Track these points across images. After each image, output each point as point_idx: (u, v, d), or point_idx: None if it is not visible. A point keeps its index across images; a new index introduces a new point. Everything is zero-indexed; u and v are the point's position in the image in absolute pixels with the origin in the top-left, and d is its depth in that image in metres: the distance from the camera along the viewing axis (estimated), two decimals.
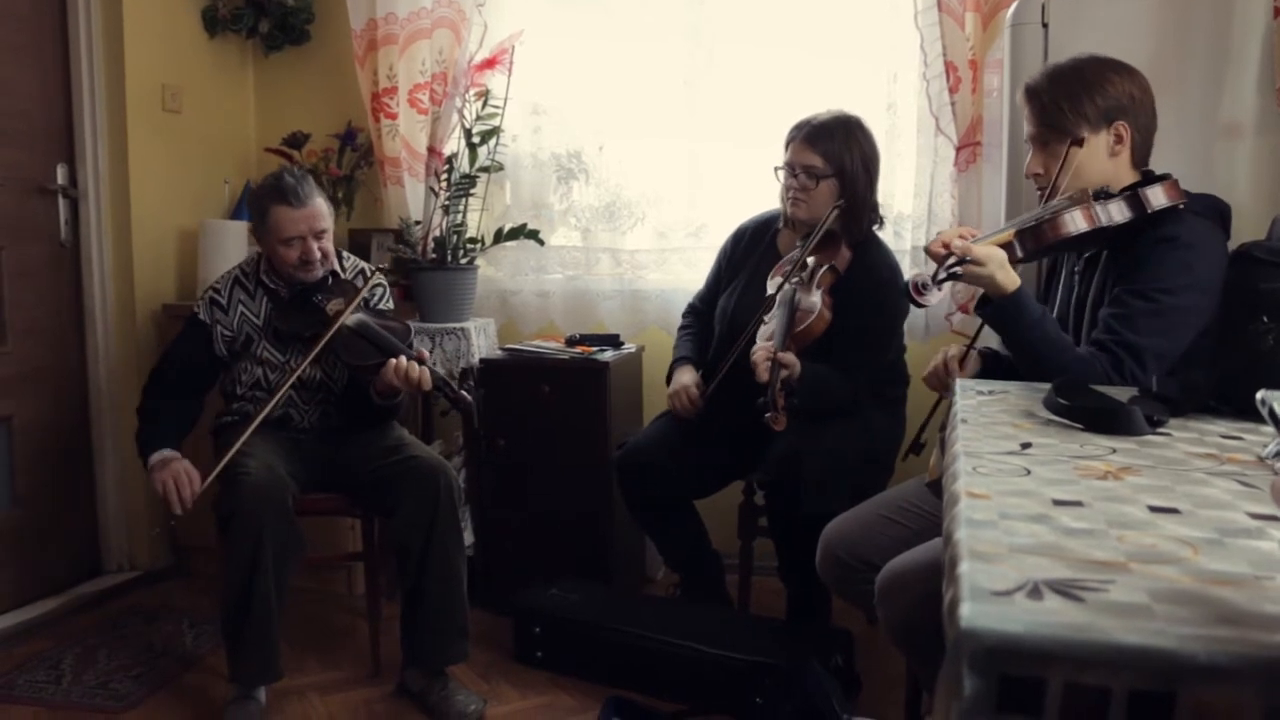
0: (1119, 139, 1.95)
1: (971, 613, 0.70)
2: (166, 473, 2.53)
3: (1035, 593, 0.74)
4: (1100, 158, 1.95)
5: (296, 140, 3.68)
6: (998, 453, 1.20)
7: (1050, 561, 0.81)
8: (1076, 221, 1.84)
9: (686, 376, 2.83)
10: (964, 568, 0.79)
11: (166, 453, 2.60)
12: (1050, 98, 1.96)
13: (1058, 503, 0.99)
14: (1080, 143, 1.92)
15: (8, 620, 3.09)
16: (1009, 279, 1.83)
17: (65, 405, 3.36)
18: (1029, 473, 1.11)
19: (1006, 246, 1.88)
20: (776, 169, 2.75)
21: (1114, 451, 1.22)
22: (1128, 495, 1.02)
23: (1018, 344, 1.87)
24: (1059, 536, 0.88)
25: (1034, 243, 1.88)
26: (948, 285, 1.90)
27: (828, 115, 2.70)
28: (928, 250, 1.92)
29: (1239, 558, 0.83)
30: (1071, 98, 1.93)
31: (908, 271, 3.18)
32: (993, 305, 1.86)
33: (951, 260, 1.83)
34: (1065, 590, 0.75)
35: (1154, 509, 0.97)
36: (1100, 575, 0.78)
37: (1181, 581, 0.77)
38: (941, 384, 2.06)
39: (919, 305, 1.97)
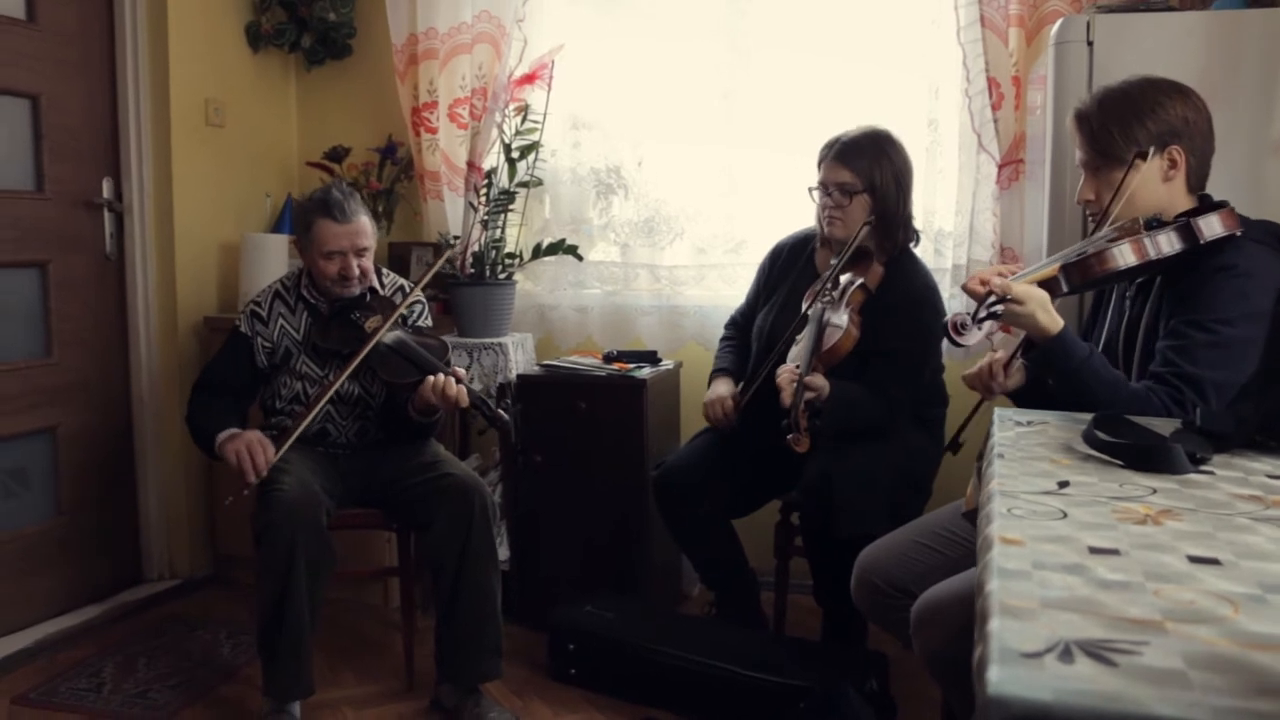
0: (1173, 164, 1.89)
1: (1000, 678, 0.69)
2: (240, 441, 2.54)
3: (1066, 654, 0.72)
4: (1154, 183, 1.89)
5: (337, 154, 3.71)
6: (1034, 492, 1.18)
7: (1083, 619, 0.79)
8: (1125, 256, 1.78)
9: (723, 388, 2.84)
10: (994, 625, 0.78)
11: (233, 429, 2.61)
12: (1099, 123, 1.91)
13: (1094, 550, 0.97)
14: (1134, 163, 1.86)
15: (53, 626, 3.14)
16: (1051, 320, 1.78)
17: (109, 415, 3.40)
18: (1065, 515, 1.09)
19: (1051, 281, 1.83)
20: (811, 189, 2.74)
21: (1154, 492, 1.20)
22: (1167, 543, 1.00)
23: (1068, 385, 1.81)
24: (1094, 589, 0.86)
25: (1080, 277, 1.82)
26: (988, 325, 1.85)
27: (858, 131, 2.69)
28: (965, 288, 1.87)
29: None
30: (1121, 122, 1.88)
31: (947, 289, 3.15)
32: (1038, 349, 1.81)
33: (991, 299, 1.78)
34: (1097, 653, 0.73)
35: (1194, 559, 0.95)
36: (1135, 636, 0.76)
37: (1219, 644, 0.75)
38: (984, 386, 2.02)
39: (958, 345, 1.91)
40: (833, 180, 2.67)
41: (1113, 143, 1.89)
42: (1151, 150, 1.87)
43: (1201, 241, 1.79)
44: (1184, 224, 1.81)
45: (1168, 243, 1.80)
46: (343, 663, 2.97)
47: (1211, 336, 1.77)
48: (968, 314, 1.82)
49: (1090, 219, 1.98)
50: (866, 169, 2.64)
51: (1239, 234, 1.82)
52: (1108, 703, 0.65)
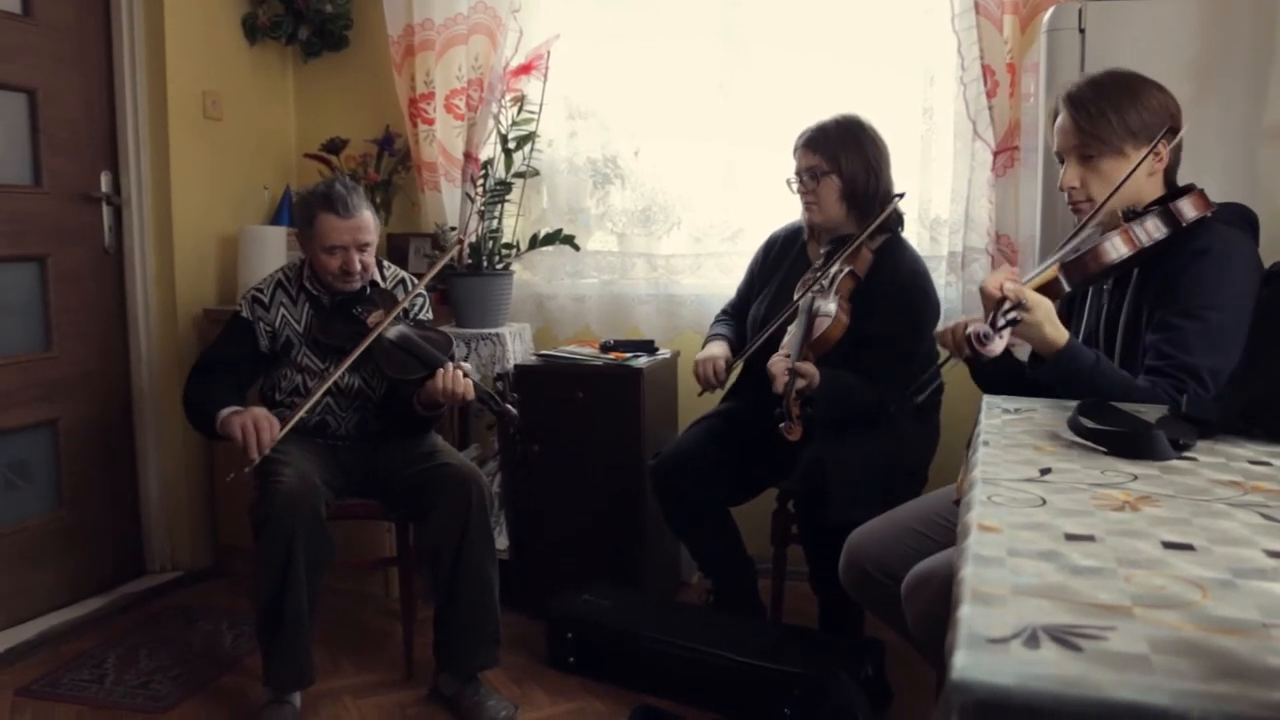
0: (1158, 157, 1.91)
1: (964, 663, 0.70)
2: (245, 415, 2.51)
3: (1033, 640, 0.73)
4: (1141, 177, 1.90)
5: (335, 146, 3.72)
6: (1015, 479, 1.19)
7: (1052, 604, 0.80)
8: (1118, 248, 1.81)
9: (717, 348, 2.85)
10: (964, 611, 0.79)
11: (236, 406, 2.57)
12: (1097, 108, 1.90)
13: (1069, 537, 0.98)
14: (1127, 153, 1.88)
15: (55, 618, 3.16)
16: (1057, 333, 1.78)
17: (109, 408, 3.42)
18: (1044, 502, 1.10)
19: (1053, 283, 1.84)
20: (788, 181, 2.76)
21: (1135, 478, 1.20)
22: (1143, 529, 1.01)
23: (1079, 393, 1.78)
24: (1066, 576, 0.87)
25: (1079, 274, 1.84)
26: (1007, 333, 1.82)
27: (829, 119, 2.74)
28: (983, 290, 1.85)
29: (1249, 602, 0.82)
30: (1118, 109, 1.89)
31: (943, 276, 3.16)
32: (1048, 364, 1.80)
33: (1008, 305, 1.76)
34: (1063, 638, 0.74)
35: (1167, 545, 0.96)
36: (1102, 621, 0.77)
37: (1185, 629, 0.76)
38: (955, 345, 2.00)
39: (985, 356, 1.90)
40: (803, 166, 2.73)
41: (1109, 129, 1.89)
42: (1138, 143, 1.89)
43: (1183, 225, 1.81)
44: (1164, 209, 1.83)
45: (1155, 228, 1.82)
46: (342, 652, 2.99)
47: (1201, 324, 1.78)
48: (988, 325, 1.80)
49: (1073, 209, 1.98)
50: (831, 151, 2.68)
51: (1210, 216, 1.84)
52: (1068, 687, 0.66)
